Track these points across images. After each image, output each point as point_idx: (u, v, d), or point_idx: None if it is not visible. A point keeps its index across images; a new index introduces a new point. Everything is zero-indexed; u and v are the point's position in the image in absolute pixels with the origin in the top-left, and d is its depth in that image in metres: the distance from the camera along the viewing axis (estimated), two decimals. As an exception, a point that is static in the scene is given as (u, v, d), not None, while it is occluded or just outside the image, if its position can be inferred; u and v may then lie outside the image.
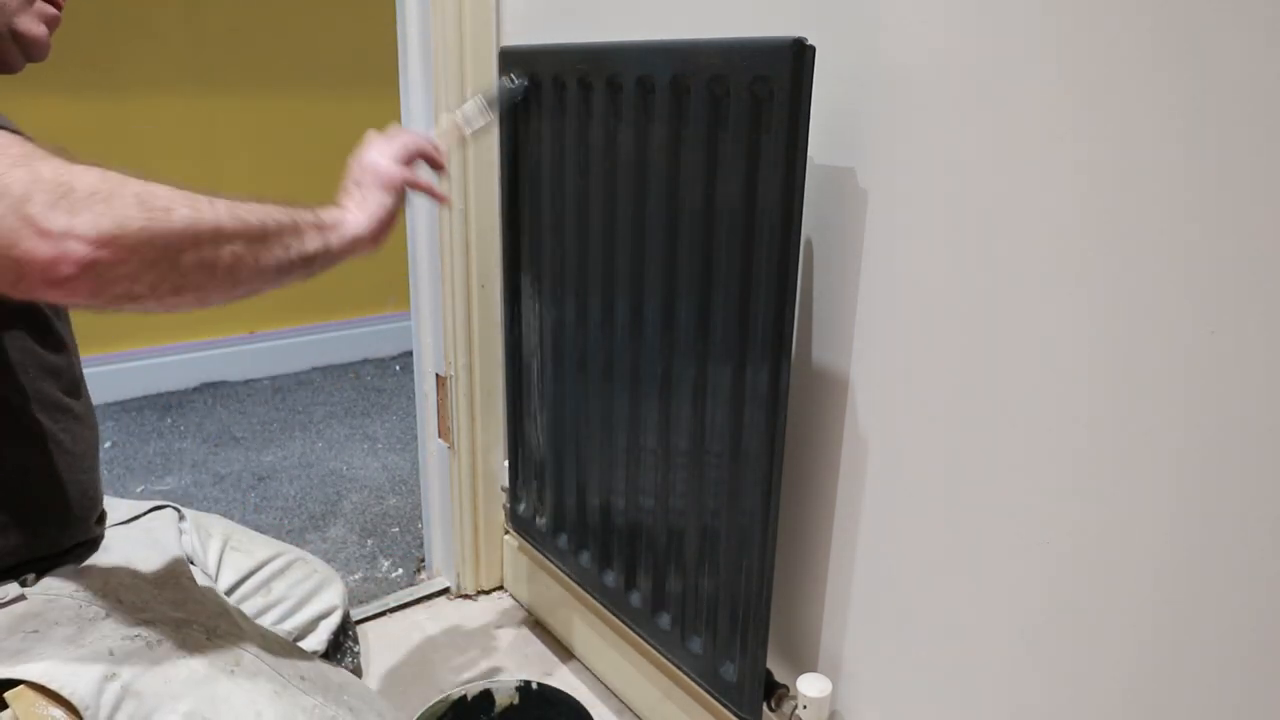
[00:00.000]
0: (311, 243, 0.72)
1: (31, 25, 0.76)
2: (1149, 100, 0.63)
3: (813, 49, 0.77)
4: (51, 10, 0.78)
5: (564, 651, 1.39)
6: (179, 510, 1.01)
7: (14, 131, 0.62)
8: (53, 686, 0.67)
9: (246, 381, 2.53)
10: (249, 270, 0.66)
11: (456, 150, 1.29)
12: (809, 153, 0.80)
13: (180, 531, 0.98)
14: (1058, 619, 0.76)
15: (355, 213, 0.79)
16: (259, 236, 0.67)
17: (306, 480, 1.97)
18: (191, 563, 0.94)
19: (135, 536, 0.91)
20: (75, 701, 0.67)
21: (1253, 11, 0.57)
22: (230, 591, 1.02)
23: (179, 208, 0.61)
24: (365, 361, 2.73)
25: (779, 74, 0.76)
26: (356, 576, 1.60)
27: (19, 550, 0.75)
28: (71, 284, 0.56)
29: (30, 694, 0.67)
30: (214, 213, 0.63)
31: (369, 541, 1.72)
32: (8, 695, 0.67)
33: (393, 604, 1.50)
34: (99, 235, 0.56)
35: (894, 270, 0.83)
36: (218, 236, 0.63)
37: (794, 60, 0.76)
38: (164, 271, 0.60)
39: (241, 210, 0.66)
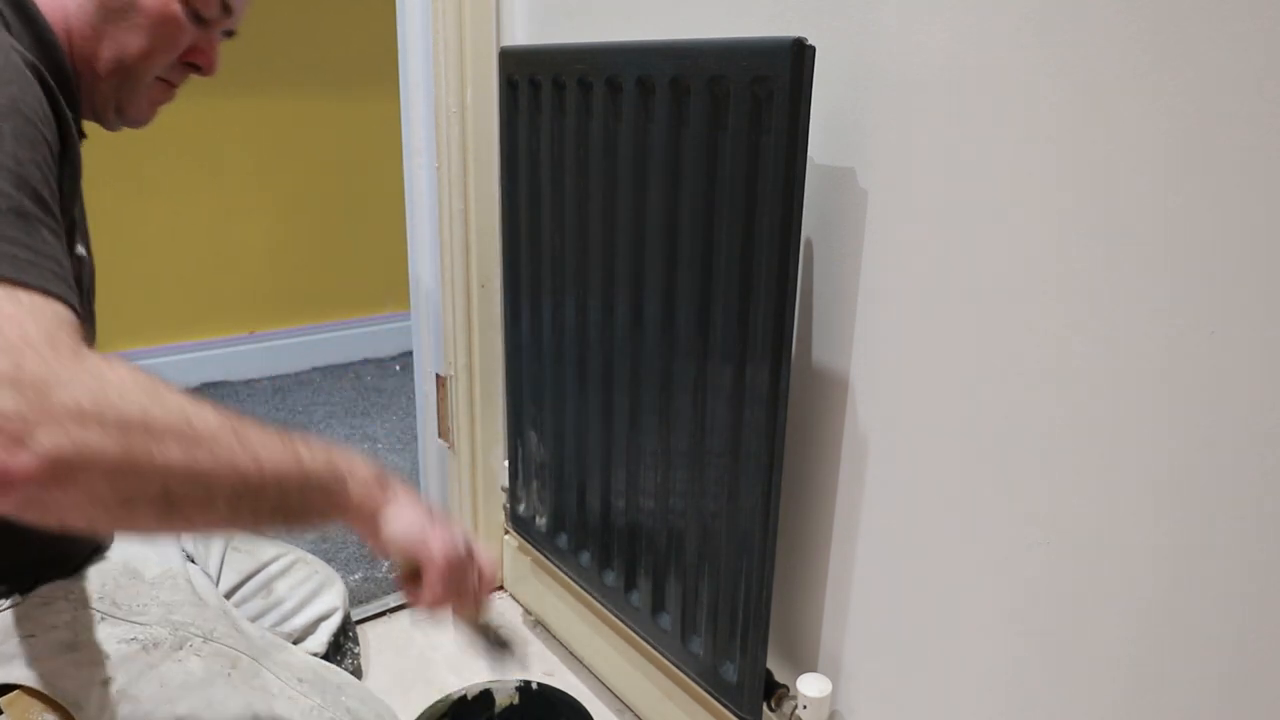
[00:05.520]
0: (310, 506, 0.59)
1: (142, 110, 0.78)
2: (1148, 101, 0.63)
3: (813, 49, 0.76)
4: (170, 95, 0.79)
5: (564, 651, 1.39)
6: None
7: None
8: (48, 691, 0.67)
9: (246, 381, 2.53)
10: (215, 519, 0.54)
11: (457, 153, 1.29)
12: (809, 153, 0.80)
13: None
14: (1058, 619, 0.76)
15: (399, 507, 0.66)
16: (250, 490, 0.54)
17: (306, 480, 1.97)
18: (192, 561, 0.94)
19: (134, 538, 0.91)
20: (70, 706, 0.67)
21: (1249, 13, 0.57)
22: (232, 592, 1.02)
23: (169, 444, 0.49)
24: (365, 361, 2.73)
25: (779, 74, 0.76)
26: (356, 576, 1.60)
27: (25, 563, 0.75)
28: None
29: (25, 699, 0.67)
30: (209, 454, 0.51)
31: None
32: (2, 700, 0.67)
33: (393, 604, 1.50)
34: (53, 458, 0.45)
35: (894, 270, 0.83)
36: (195, 480, 0.51)
37: (794, 60, 0.76)
38: (111, 512, 0.49)
39: (255, 450, 0.54)
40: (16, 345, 0.46)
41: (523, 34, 1.27)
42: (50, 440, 0.45)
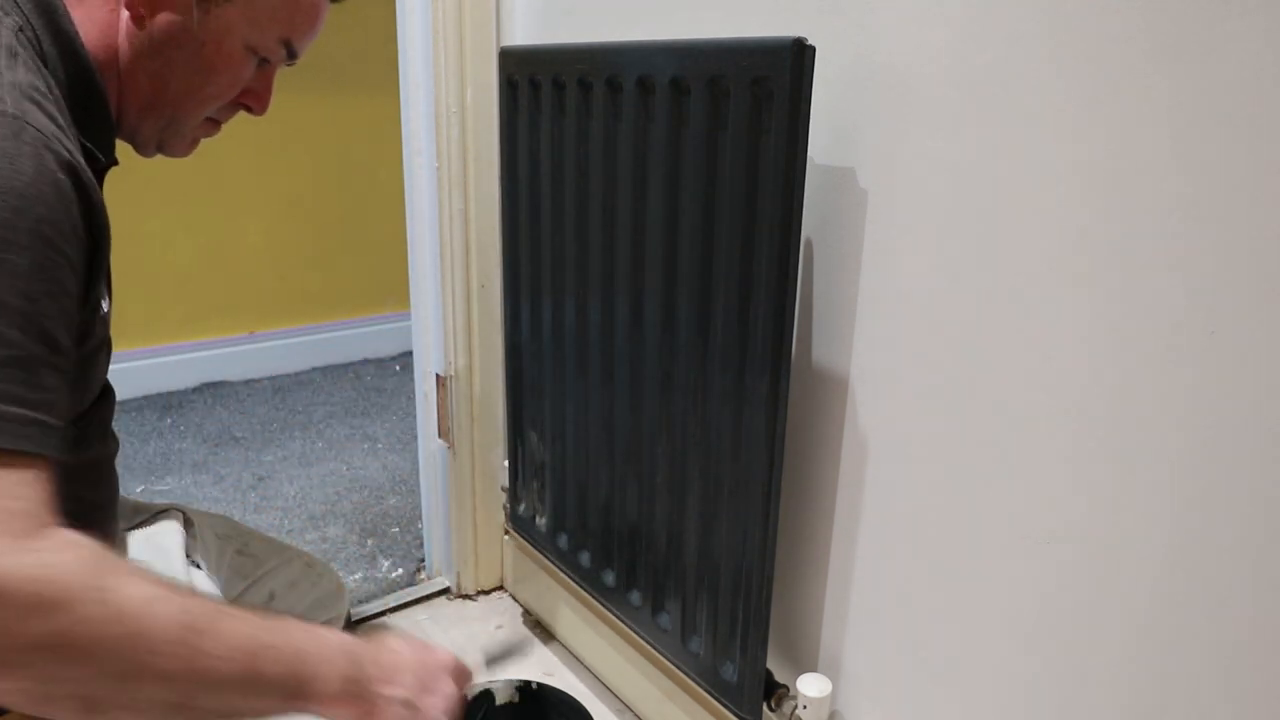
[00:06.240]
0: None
1: (180, 147, 0.75)
2: (1147, 100, 0.63)
3: (813, 49, 0.76)
4: (215, 131, 0.76)
5: (564, 651, 1.39)
6: (185, 514, 1.00)
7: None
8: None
9: (246, 381, 2.53)
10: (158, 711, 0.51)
11: (457, 153, 1.29)
12: (809, 153, 0.80)
13: (190, 537, 0.97)
14: (1058, 619, 0.76)
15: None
16: (186, 696, 0.52)
17: (306, 480, 1.97)
18: (197, 566, 0.94)
19: (139, 545, 0.91)
20: None
21: (1249, 11, 0.57)
22: (236, 596, 1.01)
23: (93, 656, 0.47)
24: (365, 361, 2.73)
25: (779, 74, 0.76)
26: (356, 576, 1.60)
27: None
28: None
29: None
30: (145, 662, 0.49)
31: (369, 541, 1.72)
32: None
33: (393, 604, 1.50)
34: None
35: (894, 270, 0.83)
36: (123, 687, 0.49)
37: (794, 60, 0.76)
38: (32, 703, 0.48)
39: (205, 656, 0.51)
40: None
41: (523, 34, 1.27)
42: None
